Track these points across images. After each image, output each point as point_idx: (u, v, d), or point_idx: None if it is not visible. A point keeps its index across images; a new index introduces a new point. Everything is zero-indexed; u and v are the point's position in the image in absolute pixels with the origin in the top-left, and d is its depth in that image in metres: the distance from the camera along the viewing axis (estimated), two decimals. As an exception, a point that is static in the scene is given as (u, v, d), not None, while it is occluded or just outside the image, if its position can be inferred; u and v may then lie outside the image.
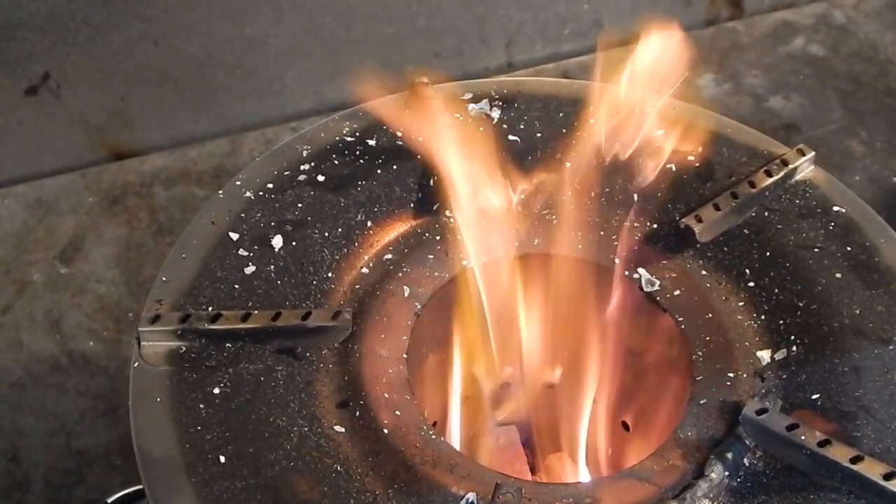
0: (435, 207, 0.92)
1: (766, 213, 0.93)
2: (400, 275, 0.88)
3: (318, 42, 1.71)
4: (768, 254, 0.90)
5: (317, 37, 1.70)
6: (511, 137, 0.98)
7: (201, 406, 0.77)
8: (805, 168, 0.97)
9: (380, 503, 0.73)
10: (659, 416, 0.92)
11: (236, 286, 0.85)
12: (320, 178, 0.94)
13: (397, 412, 0.79)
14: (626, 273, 0.90)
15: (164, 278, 0.85)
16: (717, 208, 0.92)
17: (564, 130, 0.99)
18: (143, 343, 0.80)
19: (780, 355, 0.83)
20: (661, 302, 0.88)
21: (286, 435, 0.76)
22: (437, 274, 0.89)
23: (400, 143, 0.97)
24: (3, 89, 1.58)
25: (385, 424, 0.78)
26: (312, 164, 0.95)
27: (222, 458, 0.74)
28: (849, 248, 0.90)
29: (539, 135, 0.99)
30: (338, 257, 0.88)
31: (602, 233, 0.93)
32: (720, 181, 0.96)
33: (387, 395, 0.80)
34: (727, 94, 1.82)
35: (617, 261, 0.91)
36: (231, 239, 0.88)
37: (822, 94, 1.82)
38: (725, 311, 0.87)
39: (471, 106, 1.00)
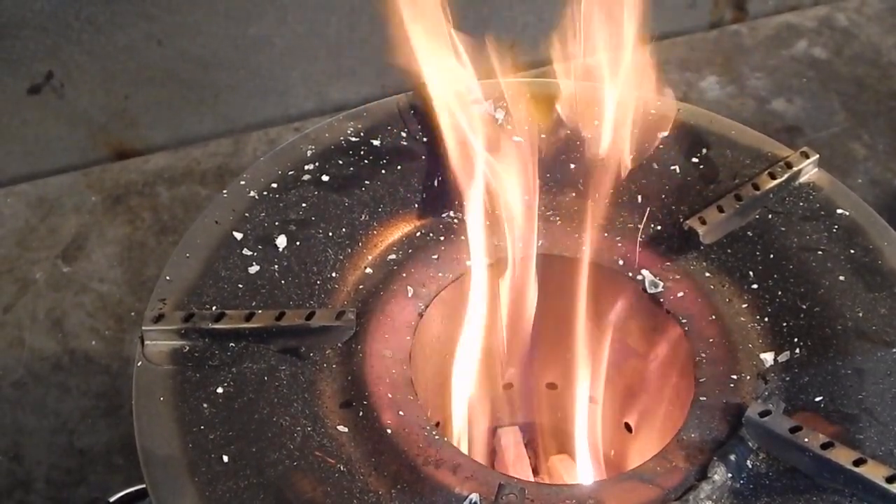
0: (438, 208, 0.92)
1: (770, 216, 0.93)
2: (404, 275, 0.88)
3: (322, 42, 1.71)
4: (772, 256, 0.90)
5: (321, 37, 1.71)
6: (515, 139, 0.98)
7: (204, 405, 0.77)
8: (808, 171, 0.96)
9: (383, 503, 0.73)
10: (662, 417, 0.92)
11: (240, 286, 0.85)
12: (324, 178, 0.94)
13: (400, 412, 0.79)
14: (630, 275, 0.90)
15: (167, 277, 0.85)
16: (721, 210, 0.92)
17: (568, 132, 0.99)
18: (146, 342, 0.80)
19: (783, 357, 0.83)
20: (665, 303, 0.88)
21: (289, 435, 0.76)
22: (440, 274, 0.89)
23: (404, 143, 0.98)
24: (6, 88, 1.58)
25: (388, 424, 0.78)
26: (316, 163, 0.95)
27: (225, 458, 0.74)
28: (852, 251, 0.90)
29: (543, 136, 0.99)
30: (342, 257, 0.88)
31: (606, 234, 0.93)
32: (724, 183, 0.96)
33: (390, 396, 0.80)
34: (730, 97, 1.82)
35: (621, 262, 0.91)
36: (235, 238, 0.88)
37: (825, 97, 1.82)
38: (729, 312, 0.87)
39: (475, 106, 1.00)
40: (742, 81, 1.85)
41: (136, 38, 1.60)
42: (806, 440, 0.75)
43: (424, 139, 0.98)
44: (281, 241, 0.88)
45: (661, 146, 0.98)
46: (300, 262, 0.87)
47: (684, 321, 0.87)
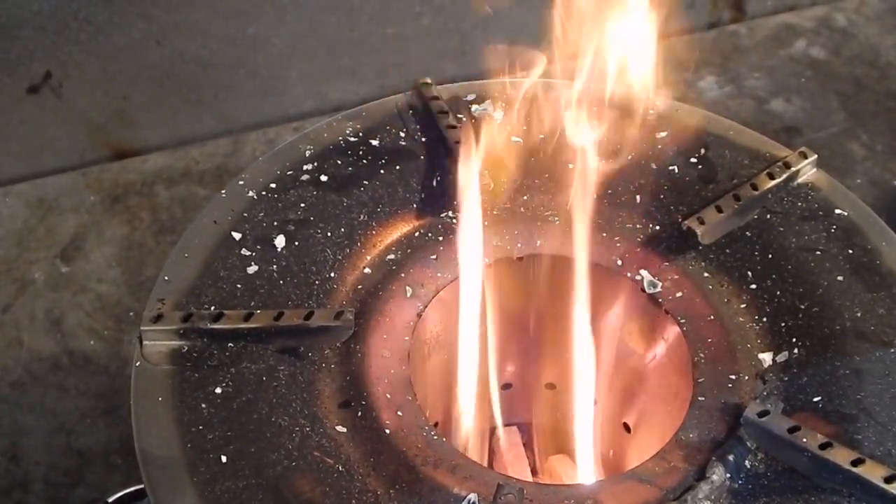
0: (437, 208, 0.92)
1: (768, 216, 0.93)
2: (402, 275, 0.88)
3: (320, 42, 1.71)
4: (770, 256, 0.90)
5: (319, 37, 1.71)
6: (514, 139, 0.99)
7: (203, 405, 0.77)
8: (807, 171, 0.97)
9: (381, 503, 0.73)
10: (660, 417, 0.92)
11: (239, 286, 0.85)
12: (323, 177, 0.94)
13: (399, 412, 0.79)
14: (629, 275, 0.90)
15: (166, 277, 0.85)
16: (720, 210, 0.92)
17: (567, 132, 0.99)
18: (145, 342, 0.80)
19: (781, 357, 0.83)
20: (663, 304, 0.88)
21: (288, 435, 0.76)
22: (439, 274, 0.89)
23: (403, 143, 0.98)
24: (5, 88, 1.58)
25: (387, 425, 0.78)
26: (315, 163, 0.95)
27: (224, 458, 0.74)
28: (850, 251, 0.90)
29: (542, 136, 0.99)
30: (340, 257, 0.88)
31: (604, 234, 0.93)
32: (722, 183, 0.96)
33: (389, 396, 0.80)
34: (729, 97, 1.82)
35: (620, 262, 0.91)
36: (234, 238, 0.88)
37: (824, 97, 1.83)
38: (727, 313, 0.87)
39: (474, 107, 1.01)
40: (740, 81, 1.85)
41: (134, 37, 1.60)
42: (804, 440, 0.75)
43: (423, 139, 0.98)
44: (279, 241, 0.88)
45: (659, 146, 0.98)
46: (299, 262, 0.87)
47: (683, 321, 0.87)
